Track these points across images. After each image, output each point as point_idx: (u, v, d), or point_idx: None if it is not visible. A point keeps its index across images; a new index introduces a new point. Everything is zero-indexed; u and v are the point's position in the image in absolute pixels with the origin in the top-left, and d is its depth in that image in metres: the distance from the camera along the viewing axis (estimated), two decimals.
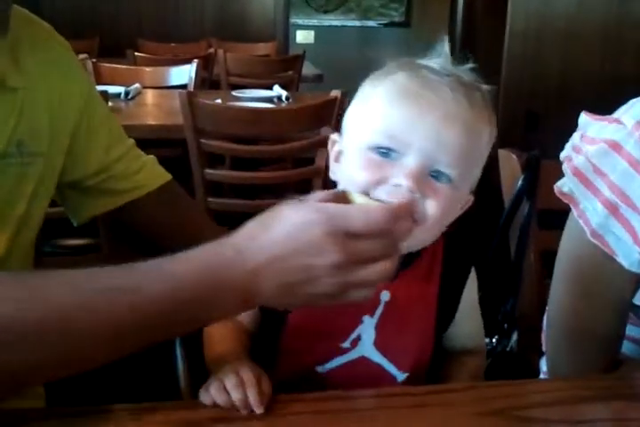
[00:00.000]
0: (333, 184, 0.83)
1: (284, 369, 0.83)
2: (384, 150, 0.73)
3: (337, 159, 0.81)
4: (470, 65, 0.78)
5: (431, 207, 0.73)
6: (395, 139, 0.73)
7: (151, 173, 1.09)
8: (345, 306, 0.72)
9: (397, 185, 0.71)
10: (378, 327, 0.83)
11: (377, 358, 0.83)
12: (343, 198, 0.71)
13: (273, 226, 0.65)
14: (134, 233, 1.14)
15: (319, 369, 0.83)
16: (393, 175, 0.72)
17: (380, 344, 0.83)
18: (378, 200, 0.72)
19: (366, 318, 0.83)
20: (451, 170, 0.74)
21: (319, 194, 0.70)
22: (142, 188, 1.07)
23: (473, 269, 0.91)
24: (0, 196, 0.88)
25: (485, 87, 0.78)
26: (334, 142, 0.82)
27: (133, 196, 1.06)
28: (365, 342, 0.83)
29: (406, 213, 0.67)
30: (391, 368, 0.84)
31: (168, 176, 1.12)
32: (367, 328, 0.83)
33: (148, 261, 0.66)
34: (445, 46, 0.79)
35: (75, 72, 0.99)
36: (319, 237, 0.64)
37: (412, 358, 0.84)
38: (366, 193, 0.72)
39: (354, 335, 0.82)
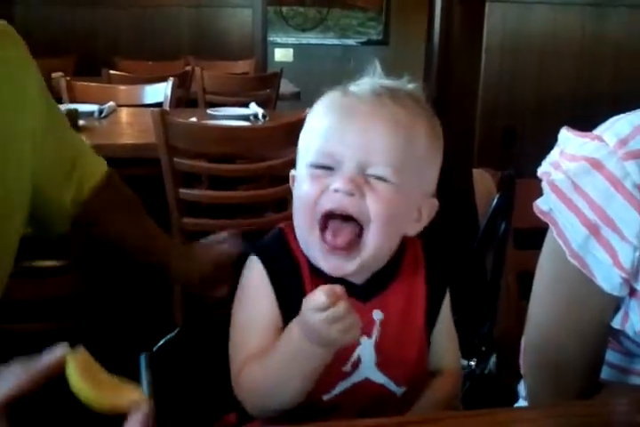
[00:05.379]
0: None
1: None
2: (324, 166, 0.80)
3: (292, 183, 0.87)
4: (407, 77, 0.84)
5: (373, 205, 0.78)
6: (329, 156, 0.80)
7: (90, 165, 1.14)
8: None
9: (336, 190, 0.78)
10: (377, 347, 0.83)
11: (380, 378, 0.84)
12: None
13: None
14: (108, 247, 1.21)
15: (325, 397, 0.82)
16: (332, 183, 0.78)
17: (381, 364, 0.83)
18: None
19: (364, 340, 0.83)
20: (384, 169, 0.79)
21: None
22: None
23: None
24: None
25: (421, 94, 0.84)
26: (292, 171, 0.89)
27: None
28: (367, 363, 0.83)
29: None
30: (391, 385, 0.84)
31: (105, 166, 1.17)
32: (366, 349, 0.83)
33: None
34: (377, 65, 0.85)
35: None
36: None
37: (409, 372, 0.86)
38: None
39: (353, 358, 0.83)
